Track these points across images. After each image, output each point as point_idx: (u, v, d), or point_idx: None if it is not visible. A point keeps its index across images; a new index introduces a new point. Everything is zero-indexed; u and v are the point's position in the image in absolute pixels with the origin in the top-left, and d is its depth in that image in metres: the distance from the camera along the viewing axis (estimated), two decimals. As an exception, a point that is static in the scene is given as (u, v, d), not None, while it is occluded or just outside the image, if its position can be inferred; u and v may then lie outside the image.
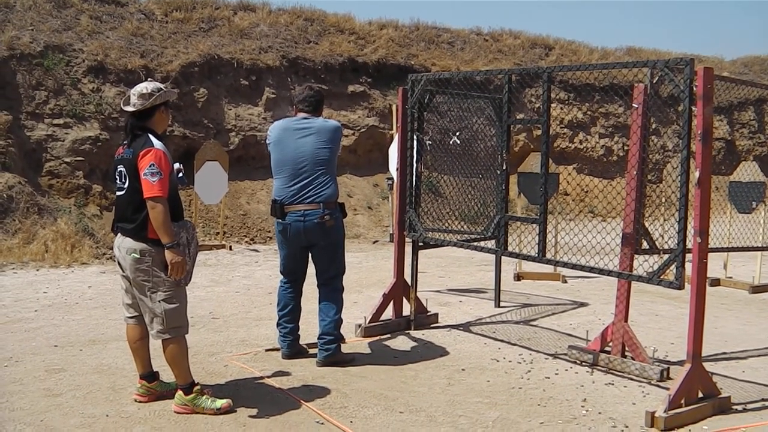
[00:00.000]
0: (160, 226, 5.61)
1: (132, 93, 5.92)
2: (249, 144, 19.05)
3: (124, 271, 5.91)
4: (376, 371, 7.19)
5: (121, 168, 5.82)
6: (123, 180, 5.81)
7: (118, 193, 5.90)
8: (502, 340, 8.44)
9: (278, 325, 7.53)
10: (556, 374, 7.24)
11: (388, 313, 8.79)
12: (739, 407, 6.44)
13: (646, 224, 7.52)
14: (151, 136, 5.78)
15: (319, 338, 7.28)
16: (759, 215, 12.40)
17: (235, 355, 7.69)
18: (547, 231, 7.43)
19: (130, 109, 5.88)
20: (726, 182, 13.07)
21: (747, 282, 12.55)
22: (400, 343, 8.22)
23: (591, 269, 6.97)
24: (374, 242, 17.69)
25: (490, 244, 8.41)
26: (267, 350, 7.80)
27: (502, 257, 9.78)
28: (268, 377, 6.92)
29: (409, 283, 8.85)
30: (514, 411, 6.20)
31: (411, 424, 5.87)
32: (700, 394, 6.28)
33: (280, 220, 7.16)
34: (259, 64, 19.95)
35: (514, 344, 8.29)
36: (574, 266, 7.25)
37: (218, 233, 16.22)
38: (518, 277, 12.40)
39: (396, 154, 9.19)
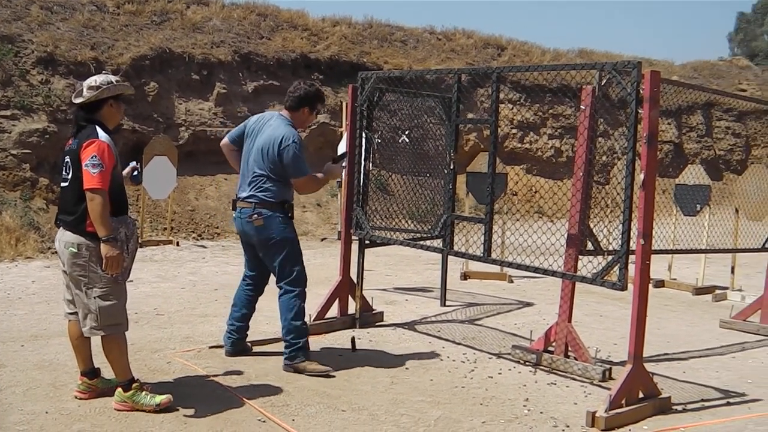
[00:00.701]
0: (97, 218, 5.49)
1: (83, 85, 5.83)
2: (199, 139, 18.91)
3: (63, 266, 5.81)
4: (320, 369, 7.16)
5: (67, 159, 5.71)
6: (68, 171, 5.70)
7: (63, 185, 5.82)
8: (446, 339, 8.46)
9: (228, 319, 7.51)
10: (500, 374, 7.26)
11: (334, 311, 8.77)
12: (679, 407, 6.51)
13: (593, 225, 7.58)
14: (97, 128, 5.66)
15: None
16: (703, 218, 12.54)
17: (178, 351, 7.62)
18: (494, 231, 7.44)
19: (78, 100, 5.78)
20: (673, 185, 13.21)
21: (691, 284, 12.70)
22: (345, 341, 8.18)
23: (535, 269, 7.00)
24: (322, 239, 17.64)
25: (438, 243, 8.41)
26: (211, 347, 7.74)
27: (449, 256, 9.81)
28: (212, 375, 6.87)
29: (355, 281, 8.84)
30: (457, 410, 6.22)
31: (353, 422, 5.86)
32: (641, 395, 6.34)
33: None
34: (211, 59, 19.81)
35: (459, 343, 8.32)
36: (519, 266, 7.29)
37: (165, 229, 16.07)
38: (465, 276, 12.44)
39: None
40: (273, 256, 7.08)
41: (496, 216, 13.30)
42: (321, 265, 13.19)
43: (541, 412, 6.24)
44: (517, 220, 11.92)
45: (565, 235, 7.23)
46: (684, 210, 12.67)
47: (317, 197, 19.27)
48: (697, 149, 29.01)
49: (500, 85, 7.19)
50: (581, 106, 7.11)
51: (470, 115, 20.71)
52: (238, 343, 7.47)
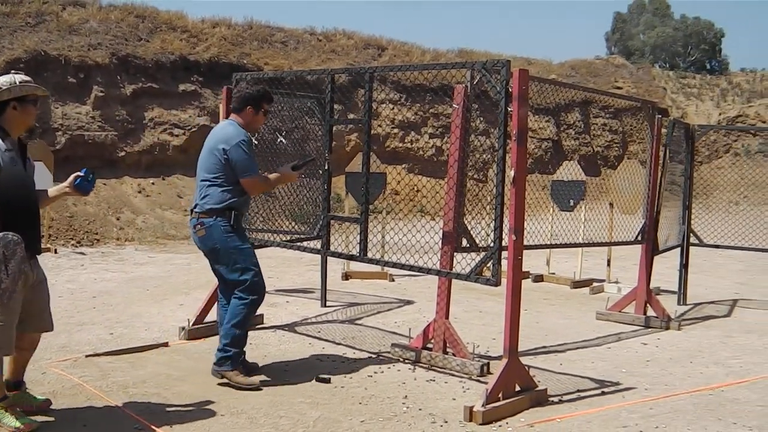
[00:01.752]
0: None
1: None
2: (76, 144, 18.58)
3: None
4: (198, 374, 7.07)
5: None
6: None
7: None
8: (326, 340, 8.46)
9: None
10: (379, 372, 7.29)
11: (213, 315, 8.68)
12: (556, 399, 6.64)
13: (473, 223, 7.66)
14: None
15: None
16: (580, 213, 12.80)
17: (54, 361, 7.41)
18: (376, 230, 7.47)
19: None
20: (551, 181, 13.47)
21: (569, 278, 12.98)
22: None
23: (411, 267, 7.04)
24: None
25: (318, 244, 8.39)
26: (87, 356, 7.57)
27: (331, 257, 9.81)
28: (88, 384, 6.72)
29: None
30: (336, 410, 6.21)
31: (231, 426, 5.81)
32: (518, 388, 6.43)
33: None
34: (88, 62, 19.50)
35: (339, 343, 8.33)
36: (395, 265, 7.33)
37: (43, 236, 15.68)
38: (346, 276, 12.46)
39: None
40: (220, 266, 6.90)
41: (378, 215, 13.39)
42: (203, 269, 12.96)
43: (420, 409, 6.28)
44: (400, 219, 12.00)
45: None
46: (560, 206, 12.93)
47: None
48: (576, 146, 29.64)
49: (381, 86, 7.22)
50: (454, 105, 7.19)
51: (351, 116, 20.75)
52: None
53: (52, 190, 5.93)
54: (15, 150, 5.41)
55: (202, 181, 6.81)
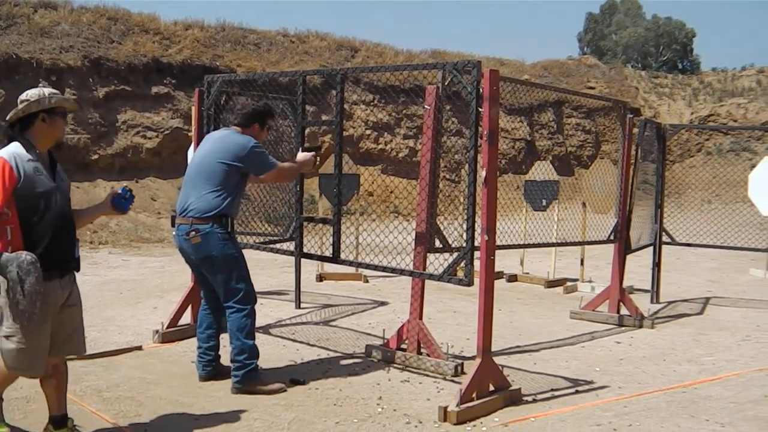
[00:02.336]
0: None
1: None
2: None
3: None
4: (172, 377, 7.05)
5: None
6: None
7: None
8: (301, 342, 8.44)
9: (197, 344, 7.11)
10: (354, 374, 7.29)
11: (187, 318, 8.65)
12: (530, 398, 6.66)
13: (445, 223, 7.67)
14: (10, 145, 4.99)
15: (231, 363, 6.80)
16: (553, 213, 12.84)
17: (26, 366, 7.40)
18: (350, 231, 7.47)
19: (8, 117, 5.13)
20: (524, 181, 13.52)
21: (542, 277, 13.02)
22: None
23: (384, 269, 7.05)
24: (179, 246, 17.44)
25: (291, 245, 8.38)
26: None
27: (305, 258, 9.81)
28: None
29: (208, 287, 8.76)
30: (310, 411, 6.21)
31: (206, 429, 5.79)
32: (492, 388, 6.45)
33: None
34: (60, 64, 19.39)
35: (313, 345, 8.32)
36: (368, 266, 7.34)
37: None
38: (320, 278, 12.45)
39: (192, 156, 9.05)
40: (216, 275, 6.71)
41: (352, 216, 13.39)
42: (176, 272, 13.00)
43: (395, 410, 6.29)
44: (373, 220, 12.01)
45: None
46: (533, 205, 12.98)
47: (172, 201, 19.02)
48: (549, 146, 29.76)
49: (354, 87, 7.24)
50: (425, 106, 7.21)
51: (324, 117, 20.75)
52: (210, 366, 7.04)
53: (90, 209, 5.69)
54: (43, 162, 5.09)
55: (198, 187, 6.64)
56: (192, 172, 6.79)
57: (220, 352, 7.10)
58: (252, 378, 6.70)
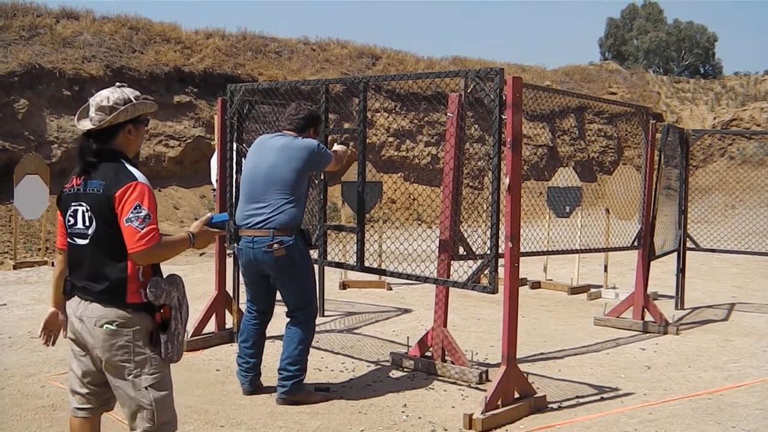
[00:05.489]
0: (169, 256, 4.32)
1: (91, 103, 4.36)
2: (72, 156, 18.49)
3: (85, 349, 4.32)
4: (197, 386, 7.08)
5: (81, 207, 4.24)
6: (87, 223, 4.23)
7: (78, 242, 4.26)
8: (325, 349, 8.44)
9: (238, 357, 6.97)
10: (378, 381, 7.30)
11: (211, 326, 8.68)
12: (555, 405, 6.66)
13: (470, 230, 7.67)
14: (126, 165, 4.27)
15: (278, 373, 6.69)
16: (576, 219, 12.82)
17: (53, 375, 7.41)
18: (373, 239, 7.47)
19: (84, 125, 4.36)
20: (547, 188, 13.50)
21: (566, 284, 12.99)
22: (223, 356, 8.12)
23: (408, 276, 7.06)
24: (201, 254, 17.45)
25: (315, 253, 8.39)
26: (86, 369, 7.57)
27: (327, 266, 9.82)
28: (86, 396, 6.71)
29: (231, 296, 8.79)
30: (335, 420, 6.22)
31: (231, 437, 5.83)
32: (517, 395, 6.44)
33: (235, 245, 6.74)
34: (83, 74, 19.49)
35: (337, 353, 8.33)
36: (392, 274, 7.34)
37: (40, 249, 15.70)
38: (343, 285, 12.45)
39: (216, 165, 9.09)
40: (291, 287, 6.65)
41: (375, 224, 13.40)
42: (199, 281, 13.04)
43: (420, 417, 6.29)
44: (397, 228, 12.00)
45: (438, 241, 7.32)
46: (556, 212, 12.95)
47: (195, 210, 19.11)
48: (571, 152, 29.68)
49: (376, 95, 7.25)
50: (448, 114, 7.22)
51: (346, 125, 20.77)
52: (255, 381, 6.95)
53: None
54: None
55: (277, 199, 6.48)
56: (259, 182, 6.57)
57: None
58: (299, 388, 6.64)
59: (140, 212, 4.07)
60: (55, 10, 21.61)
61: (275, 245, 6.37)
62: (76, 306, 4.28)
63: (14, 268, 14.08)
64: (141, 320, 4.19)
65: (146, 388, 4.20)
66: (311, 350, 8.30)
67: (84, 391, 4.43)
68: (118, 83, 4.44)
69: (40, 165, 14.93)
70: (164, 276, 4.33)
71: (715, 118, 34.04)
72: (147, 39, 22.24)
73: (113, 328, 4.14)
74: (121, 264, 4.15)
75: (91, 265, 4.20)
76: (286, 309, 6.78)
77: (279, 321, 7.14)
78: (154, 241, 4.08)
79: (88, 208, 4.20)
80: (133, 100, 4.33)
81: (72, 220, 4.27)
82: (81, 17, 21.92)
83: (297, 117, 6.81)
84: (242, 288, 7.39)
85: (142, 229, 4.05)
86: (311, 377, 7.37)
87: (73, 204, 4.26)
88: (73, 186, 4.29)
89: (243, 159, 8.47)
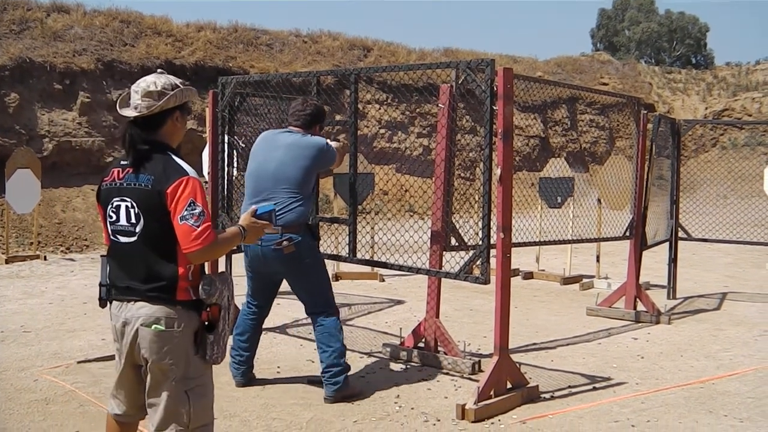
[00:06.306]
0: (222, 252, 4.23)
1: (134, 90, 4.15)
2: (64, 150, 18.52)
3: (131, 351, 4.11)
4: (190, 378, 7.07)
5: (125, 202, 4.06)
6: (132, 220, 4.04)
7: (122, 240, 4.08)
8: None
9: (232, 349, 6.80)
10: (371, 372, 7.32)
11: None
12: (547, 395, 6.69)
13: (461, 221, 7.68)
14: (174, 157, 4.08)
15: (323, 372, 6.55)
16: (568, 209, 12.84)
17: (45, 368, 7.39)
18: (365, 231, 7.47)
19: (130, 113, 4.14)
20: (538, 178, 13.52)
21: (558, 274, 13.02)
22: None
23: (401, 267, 7.07)
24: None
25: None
26: (79, 362, 7.55)
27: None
28: (80, 390, 6.70)
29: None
30: (328, 411, 6.23)
31: (225, 429, 5.83)
32: (509, 385, 6.46)
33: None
34: (74, 68, 19.41)
35: (331, 344, 8.32)
36: (384, 265, 7.36)
37: (32, 243, 15.65)
38: (336, 277, 12.45)
39: (208, 158, 9.08)
40: (306, 284, 6.65)
41: (367, 216, 13.40)
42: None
43: (412, 408, 6.32)
44: (389, 219, 12.01)
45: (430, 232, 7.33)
46: (548, 203, 12.97)
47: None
48: (563, 143, 29.69)
49: (368, 86, 7.24)
50: (439, 105, 7.22)
51: (338, 117, 20.77)
52: (247, 374, 6.95)
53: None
54: None
55: (285, 196, 6.40)
56: (268, 180, 6.50)
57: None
58: (347, 382, 6.57)
59: (195, 209, 3.92)
60: (45, 4, 21.53)
61: (284, 242, 6.32)
62: (117, 311, 4.12)
63: (6, 262, 14.04)
64: (189, 319, 4.05)
65: (185, 392, 4.06)
66: (305, 342, 8.36)
67: (122, 396, 4.31)
68: (159, 70, 4.27)
69: (32, 159, 14.88)
70: (222, 272, 4.24)
71: (706, 109, 34.05)
72: (138, 32, 22.16)
73: (162, 328, 3.98)
74: (173, 262, 4.01)
75: (140, 264, 4.03)
76: (304, 308, 6.81)
77: (271, 314, 7.15)
78: (211, 239, 3.96)
79: (135, 204, 4.02)
80: (180, 85, 4.16)
81: (114, 216, 4.09)
82: (71, 11, 21.83)
83: (304, 113, 6.74)
84: (237, 283, 7.36)
85: (198, 227, 3.91)
86: (305, 369, 7.40)
87: (115, 199, 4.08)
88: (114, 179, 4.10)
89: (234, 152, 8.49)
